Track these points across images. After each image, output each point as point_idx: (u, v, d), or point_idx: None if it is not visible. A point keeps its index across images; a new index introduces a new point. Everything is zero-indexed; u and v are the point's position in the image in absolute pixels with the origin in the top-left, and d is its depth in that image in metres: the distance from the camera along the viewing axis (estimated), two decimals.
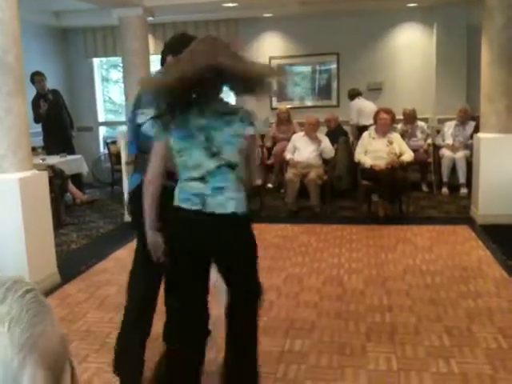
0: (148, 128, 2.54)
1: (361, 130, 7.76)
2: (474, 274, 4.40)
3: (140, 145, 2.83)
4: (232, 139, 2.33)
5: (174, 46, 2.75)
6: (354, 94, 8.36)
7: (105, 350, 3.25)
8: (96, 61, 10.01)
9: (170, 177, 2.64)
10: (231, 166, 2.35)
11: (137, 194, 2.73)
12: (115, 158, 8.16)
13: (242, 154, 2.38)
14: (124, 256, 5.19)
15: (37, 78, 7.52)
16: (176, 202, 2.36)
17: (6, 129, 3.97)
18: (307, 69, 9.27)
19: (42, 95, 7.62)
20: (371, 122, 7.22)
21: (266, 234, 5.85)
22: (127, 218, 6.29)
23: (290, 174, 6.68)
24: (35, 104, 7.55)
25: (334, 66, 9.11)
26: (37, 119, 7.62)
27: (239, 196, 2.38)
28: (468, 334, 3.33)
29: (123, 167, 6.53)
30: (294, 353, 3.17)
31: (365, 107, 8.15)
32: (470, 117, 7.68)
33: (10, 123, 3.98)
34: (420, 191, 7.63)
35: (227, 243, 2.43)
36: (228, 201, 2.34)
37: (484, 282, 4.23)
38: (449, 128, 7.75)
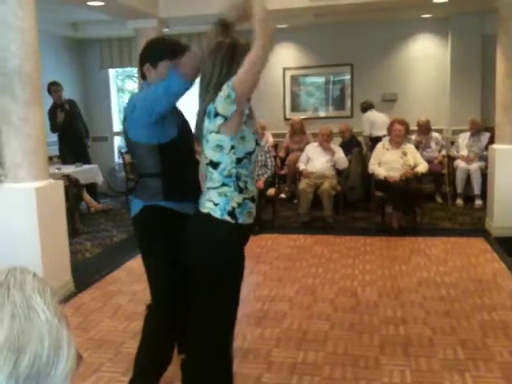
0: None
1: (374, 141, 7.76)
2: (488, 287, 4.35)
3: (140, 165, 2.70)
4: (206, 136, 2.23)
5: (152, 53, 2.64)
6: (365, 107, 8.40)
7: (119, 359, 3.27)
8: (112, 71, 10.11)
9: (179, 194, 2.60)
10: (212, 165, 2.24)
11: (140, 220, 2.68)
12: (130, 167, 8.22)
13: (224, 150, 2.19)
14: (137, 266, 5.21)
15: (54, 87, 7.62)
16: None
17: (22, 138, 4.02)
18: (321, 79, 9.30)
19: (58, 105, 7.71)
20: (384, 132, 7.21)
21: (278, 245, 5.85)
22: None
23: (303, 184, 6.68)
24: (52, 113, 7.63)
25: (347, 77, 9.12)
26: (53, 129, 7.71)
27: (221, 201, 2.22)
28: (483, 348, 3.29)
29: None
30: (308, 364, 3.16)
31: (377, 119, 8.18)
32: (482, 128, 7.65)
33: (27, 132, 4.03)
34: (434, 202, 7.59)
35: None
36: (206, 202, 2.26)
37: (499, 294, 4.19)
38: (463, 139, 7.72)
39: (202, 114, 2.23)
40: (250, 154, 2.23)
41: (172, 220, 2.58)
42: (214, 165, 2.23)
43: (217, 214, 2.21)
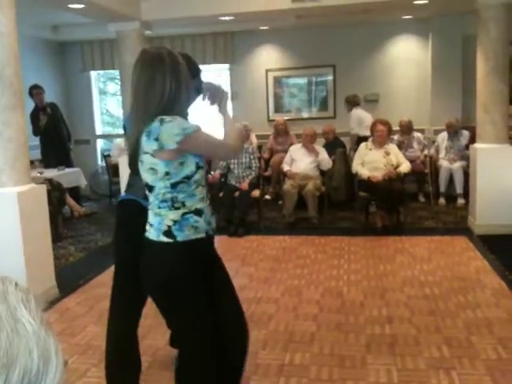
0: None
1: (361, 140, 7.75)
2: (472, 285, 4.40)
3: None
4: (141, 156, 2.09)
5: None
6: (353, 102, 8.22)
7: (104, 365, 3.24)
8: (93, 74, 10.04)
9: None
10: (148, 188, 2.13)
11: (122, 205, 2.73)
12: (113, 170, 8.17)
13: (158, 175, 2.05)
14: None
15: (35, 91, 7.54)
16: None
17: (4, 142, 3.98)
18: (303, 81, 9.33)
19: (40, 108, 7.64)
20: None
21: (263, 246, 5.85)
22: None
23: (287, 185, 6.69)
24: (34, 117, 7.56)
25: (330, 78, 9.16)
26: (36, 132, 7.64)
27: (155, 221, 2.11)
28: (468, 345, 3.33)
29: (121, 179, 6.56)
30: (295, 366, 3.17)
31: (365, 117, 8.07)
32: (459, 128, 7.73)
33: (8, 137, 3.98)
34: (417, 202, 7.65)
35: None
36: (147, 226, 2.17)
37: (482, 292, 4.24)
38: (443, 140, 7.80)
39: (142, 128, 2.05)
40: (188, 177, 2.07)
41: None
42: (149, 188, 2.11)
43: (153, 235, 2.10)
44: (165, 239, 2.07)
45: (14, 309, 0.66)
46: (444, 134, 7.79)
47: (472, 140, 6.96)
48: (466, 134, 7.63)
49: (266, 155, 8.31)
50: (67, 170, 7.51)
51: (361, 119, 8.13)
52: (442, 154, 7.72)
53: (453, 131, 7.67)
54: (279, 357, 3.28)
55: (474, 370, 3.03)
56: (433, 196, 7.63)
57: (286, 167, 7.00)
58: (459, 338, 3.42)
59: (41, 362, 0.64)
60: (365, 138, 7.54)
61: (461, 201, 7.35)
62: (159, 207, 2.09)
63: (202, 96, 2.33)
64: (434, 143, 7.99)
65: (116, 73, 9.25)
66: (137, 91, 2.09)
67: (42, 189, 4.47)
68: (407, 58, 8.92)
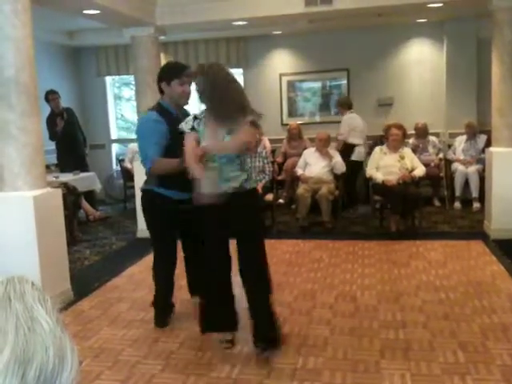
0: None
1: (348, 147, 7.54)
2: (488, 290, 4.35)
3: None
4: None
5: (166, 74, 3.54)
6: (347, 104, 7.86)
7: (118, 368, 3.26)
8: (108, 79, 10.12)
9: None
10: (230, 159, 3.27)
11: (142, 202, 3.80)
12: (127, 174, 8.22)
13: None
14: (136, 272, 5.21)
15: (51, 96, 7.62)
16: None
17: (20, 147, 4.02)
18: (317, 85, 9.31)
19: (57, 113, 7.71)
20: (361, 141, 7.25)
21: (277, 250, 5.84)
22: (140, 234, 6.38)
23: (301, 189, 6.68)
24: (51, 122, 7.64)
25: (344, 82, 9.14)
26: (52, 137, 7.71)
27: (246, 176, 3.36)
28: (483, 351, 3.29)
29: (136, 183, 6.60)
30: (308, 370, 3.15)
31: (358, 125, 7.69)
32: (477, 130, 7.67)
33: (24, 142, 4.02)
34: (432, 206, 7.59)
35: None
36: None
37: (498, 297, 4.19)
38: (460, 142, 7.74)
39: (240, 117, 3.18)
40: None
41: (163, 203, 3.55)
42: (232, 159, 3.26)
43: (249, 185, 3.33)
44: (255, 185, 3.51)
45: (31, 307, 0.68)
46: (462, 137, 7.73)
47: (488, 143, 6.90)
48: (483, 137, 7.55)
49: (279, 159, 8.31)
50: (82, 174, 7.57)
51: (353, 126, 7.64)
52: (458, 156, 7.65)
53: (472, 133, 7.61)
54: (292, 361, 3.27)
55: (490, 375, 2.99)
56: (448, 200, 7.58)
57: (299, 171, 6.99)
58: (474, 343, 3.39)
59: (56, 360, 0.66)
60: (352, 146, 7.47)
61: (476, 205, 7.28)
62: (240, 170, 3.26)
63: None
64: (451, 147, 7.93)
65: (131, 78, 9.32)
66: (232, 93, 3.13)
67: (58, 193, 4.51)
68: (421, 62, 8.88)
